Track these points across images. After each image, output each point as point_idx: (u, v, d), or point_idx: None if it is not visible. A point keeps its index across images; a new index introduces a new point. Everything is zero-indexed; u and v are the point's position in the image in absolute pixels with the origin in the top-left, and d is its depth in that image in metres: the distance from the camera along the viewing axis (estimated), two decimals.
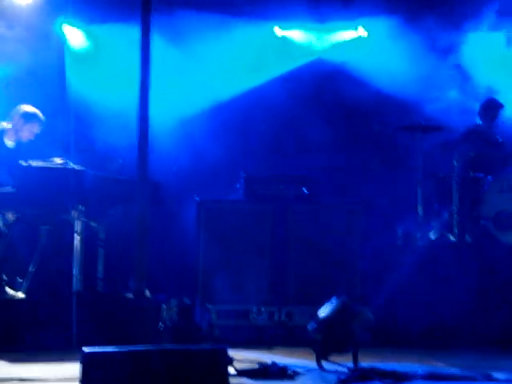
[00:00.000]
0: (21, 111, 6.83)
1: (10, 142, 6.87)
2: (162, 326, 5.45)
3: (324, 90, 8.57)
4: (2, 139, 6.81)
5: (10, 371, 4.96)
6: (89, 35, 7.91)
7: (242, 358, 5.34)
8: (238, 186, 7.23)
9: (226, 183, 7.49)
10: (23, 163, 6.27)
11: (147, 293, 6.40)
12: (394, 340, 6.42)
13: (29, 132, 6.85)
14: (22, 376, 4.75)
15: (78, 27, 7.76)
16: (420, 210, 7.43)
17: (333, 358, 5.11)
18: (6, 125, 6.82)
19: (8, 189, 6.44)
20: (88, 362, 4.22)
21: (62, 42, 7.54)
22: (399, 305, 6.66)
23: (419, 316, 6.59)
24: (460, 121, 7.82)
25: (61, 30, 7.53)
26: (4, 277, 6.41)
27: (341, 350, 5.09)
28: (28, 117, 6.82)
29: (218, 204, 7.03)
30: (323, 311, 5.23)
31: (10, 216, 6.39)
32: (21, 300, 6.24)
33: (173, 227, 7.69)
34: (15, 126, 6.81)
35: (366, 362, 5.05)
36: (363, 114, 8.44)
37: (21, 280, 6.48)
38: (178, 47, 8.19)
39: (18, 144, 6.91)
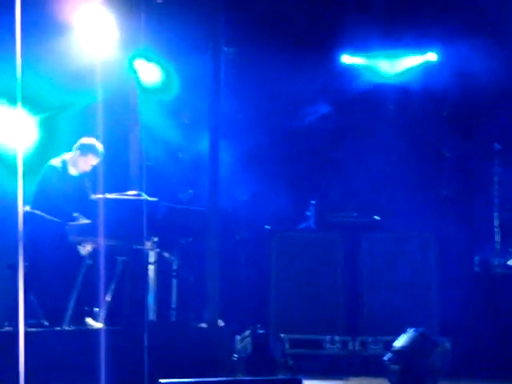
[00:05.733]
0: (78, 143, 6.98)
1: (73, 171, 7.02)
2: (236, 356, 5.43)
3: (392, 115, 8.50)
4: (67, 170, 6.96)
5: None
6: (161, 69, 8.07)
7: None
8: (308, 213, 7.21)
9: (297, 212, 7.48)
10: (99, 195, 6.41)
11: (220, 323, 6.44)
12: (476, 373, 6.22)
13: (84, 164, 6.95)
14: None
15: (150, 61, 7.93)
16: (497, 236, 7.23)
17: None
18: (67, 156, 6.98)
19: (82, 220, 6.61)
20: None
21: (134, 75, 7.72)
22: (479, 335, 6.47)
23: (499, 346, 6.38)
24: None
25: (132, 64, 7.71)
26: (86, 307, 6.53)
27: (419, 382, 4.97)
28: (84, 149, 6.92)
29: (289, 233, 7.02)
30: (400, 342, 5.12)
31: (88, 247, 6.54)
32: (98, 330, 6.33)
33: (244, 257, 7.71)
34: (73, 157, 6.97)
35: None
36: (435, 140, 8.32)
37: (97, 310, 6.59)
38: (248, 78, 8.28)
39: (81, 175, 7.03)
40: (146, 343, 5.84)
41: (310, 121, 8.28)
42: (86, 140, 6.96)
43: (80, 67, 7.38)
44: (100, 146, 6.95)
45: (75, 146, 6.98)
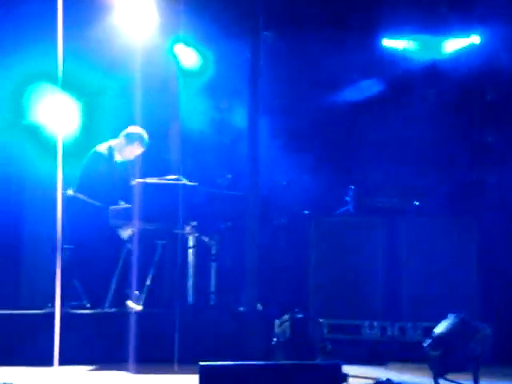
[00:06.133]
0: (125, 132, 7.03)
1: (119, 157, 7.08)
2: (275, 340, 5.45)
3: (434, 99, 8.37)
4: (113, 156, 7.03)
5: (129, 382, 5.10)
6: (200, 54, 8.08)
7: (356, 373, 5.26)
8: (347, 198, 7.17)
9: (337, 196, 7.44)
10: (139, 180, 6.47)
11: (259, 306, 6.46)
12: None
13: (129, 152, 7.01)
14: None
15: (190, 46, 7.94)
16: None
17: (451, 376, 4.94)
18: (112, 142, 7.05)
19: (124, 204, 6.68)
20: (206, 375, 4.28)
21: (175, 60, 7.74)
22: None
23: None
24: None
25: (173, 49, 7.72)
26: (126, 291, 6.62)
27: (460, 369, 4.92)
28: (130, 138, 6.99)
29: (328, 218, 6.99)
30: (440, 328, 5.07)
31: (128, 231, 6.61)
32: (139, 312, 6.41)
33: (283, 241, 7.71)
34: (118, 144, 7.02)
35: (487, 382, 4.86)
36: (479, 124, 8.18)
37: (138, 293, 6.67)
38: (286, 62, 8.23)
39: (125, 161, 7.09)
40: (177, 326, 5.90)
41: (349, 105, 8.21)
42: (132, 129, 7.02)
43: (121, 51, 7.43)
44: (146, 136, 7.01)
45: (122, 133, 7.04)
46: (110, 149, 7.02)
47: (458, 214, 6.86)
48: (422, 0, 8.06)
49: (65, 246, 6.44)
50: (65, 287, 5.67)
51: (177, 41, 7.71)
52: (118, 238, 6.71)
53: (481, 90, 8.15)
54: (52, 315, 5.29)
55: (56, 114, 5.60)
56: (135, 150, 7.01)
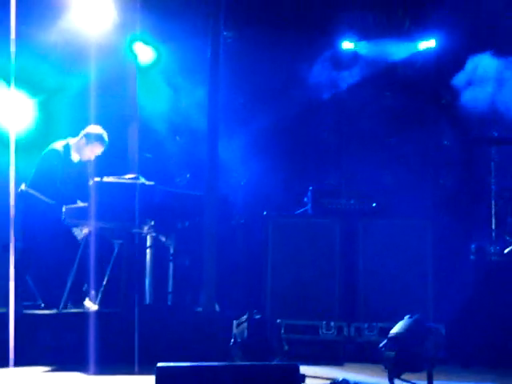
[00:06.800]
0: (85, 131, 6.96)
1: (76, 157, 7.00)
2: (233, 341, 5.45)
3: (393, 101, 8.49)
4: (69, 155, 6.95)
5: (85, 383, 5.05)
6: (158, 52, 8.03)
7: (313, 373, 5.30)
8: (305, 199, 7.21)
9: (295, 197, 7.47)
10: (96, 179, 6.40)
11: (217, 307, 6.46)
12: (470, 359, 6.25)
13: (89, 152, 6.95)
14: None
15: (148, 44, 7.89)
16: (494, 224, 7.25)
17: (406, 376, 5.01)
18: (71, 141, 6.97)
19: (80, 203, 6.60)
20: (162, 377, 4.26)
21: (132, 58, 7.68)
22: (474, 322, 6.49)
23: (495, 334, 6.41)
24: None
25: (132, 46, 7.66)
26: (84, 288, 6.55)
27: (414, 369, 4.99)
28: (90, 137, 6.93)
29: (286, 218, 7.02)
30: (395, 329, 5.14)
31: (85, 230, 6.53)
32: (94, 312, 6.34)
33: (241, 241, 7.72)
34: (77, 143, 6.95)
35: (440, 382, 4.94)
36: (433, 128, 8.31)
37: (94, 292, 6.60)
38: (246, 62, 8.25)
39: (83, 161, 7.02)
40: (137, 326, 5.86)
41: (309, 106, 8.26)
42: (92, 128, 6.95)
43: (77, 49, 7.35)
44: (105, 135, 6.95)
45: (82, 132, 6.96)
46: (67, 146, 6.94)
47: (413, 217, 6.95)
48: (380, 4, 8.17)
49: (17, 244, 6.34)
50: (17, 287, 5.58)
51: (135, 39, 7.65)
52: (73, 236, 6.64)
53: (436, 93, 8.28)
54: (6, 316, 5.20)
55: (9, 110, 5.51)
56: (95, 150, 6.95)
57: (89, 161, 7.01)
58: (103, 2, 7.34)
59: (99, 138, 6.92)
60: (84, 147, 6.93)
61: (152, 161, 7.82)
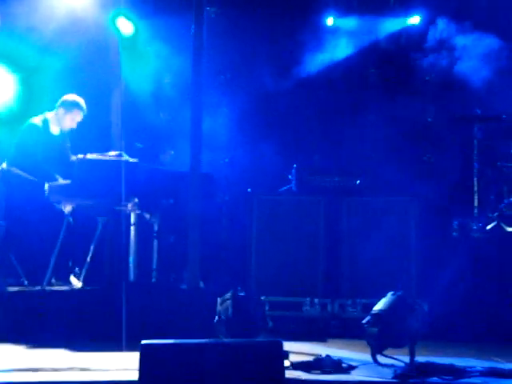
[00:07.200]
0: (61, 100, 6.91)
1: (55, 130, 6.95)
2: (217, 318, 5.47)
3: (377, 79, 8.48)
4: (48, 128, 6.90)
5: (69, 360, 5.06)
6: (142, 27, 7.96)
7: (296, 350, 5.34)
8: (290, 177, 7.21)
9: (279, 175, 7.47)
10: (79, 156, 6.36)
11: (201, 284, 6.47)
12: (451, 335, 6.32)
13: (70, 121, 6.91)
14: (82, 366, 4.83)
15: (131, 19, 7.80)
16: (476, 201, 7.30)
17: (389, 352, 5.06)
18: (49, 115, 6.91)
19: (61, 179, 6.56)
20: (146, 354, 4.28)
21: (116, 33, 7.60)
22: (455, 299, 6.55)
23: (477, 310, 6.48)
24: None
25: (115, 22, 7.58)
26: (70, 264, 6.54)
27: (397, 345, 5.04)
28: (68, 105, 6.88)
29: (271, 196, 7.02)
30: (379, 305, 5.18)
31: (68, 207, 6.50)
32: (78, 290, 6.34)
33: (226, 219, 7.72)
34: (57, 115, 6.90)
35: (422, 357, 4.99)
36: (417, 104, 8.31)
37: (78, 269, 6.59)
38: (229, 37, 8.18)
39: (63, 133, 6.97)
40: (124, 304, 5.87)
41: (293, 83, 8.23)
42: (68, 97, 6.92)
43: (60, 25, 7.27)
44: (83, 101, 6.91)
45: (58, 103, 6.91)
46: (46, 121, 6.88)
47: (397, 194, 6.97)
48: None
49: (0, 222, 6.31)
50: (1, 264, 5.56)
51: (118, 13, 7.57)
52: (57, 213, 6.60)
53: (420, 70, 8.26)
54: None
55: None
56: (75, 117, 6.92)
57: (68, 133, 6.95)
58: None
59: (77, 104, 6.90)
60: (63, 117, 6.89)
61: (136, 136, 7.79)
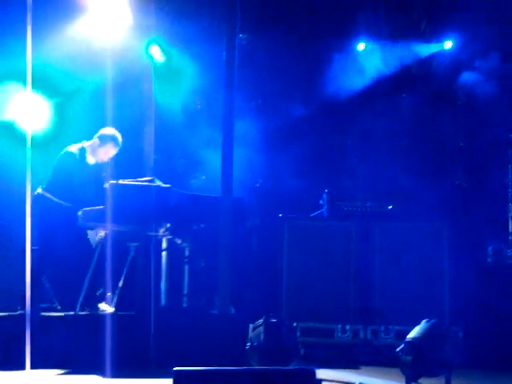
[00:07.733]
0: (98, 133, 6.98)
1: (91, 160, 7.02)
2: (249, 345, 5.44)
3: (407, 102, 8.45)
4: (84, 158, 6.97)
5: None
6: (175, 55, 8.05)
7: (329, 377, 5.28)
8: (321, 202, 7.19)
9: (310, 199, 7.46)
10: (112, 181, 6.41)
11: (232, 310, 6.45)
12: (488, 362, 6.20)
13: (104, 154, 6.95)
14: None
15: (164, 47, 7.90)
16: (510, 227, 7.20)
17: (423, 381, 4.99)
18: (86, 144, 6.99)
19: (96, 206, 6.61)
20: (179, 380, 4.26)
21: (150, 61, 7.69)
22: (491, 326, 6.44)
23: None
24: None
25: (148, 50, 7.68)
26: (97, 292, 6.56)
27: (432, 374, 4.97)
28: (104, 138, 6.93)
29: (302, 221, 7.00)
30: (413, 333, 5.12)
31: (100, 233, 6.55)
32: (110, 315, 6.36)
33: (256, 244, 7.71)
34: (92, 146, 6.96)
35: None
36: (450, 129, 8.27)
37: (110, 295, 6.61)
38: (261, 64, 8.24)
39: (98, 164, 7.03)
40: (152, 330, 5.87)
41: (325, 108, 8.24)
42: (106, 130, 6.97)
43: (95, 52, 7.37)
44: (119, 137, 6.96)
45: (96, 135, 6.99)
46: (82, 149, 6.96)
47: (430, 219, 6.91)
48: (396, 6, 8.14)
49: (33, 248, 6.36)
50: (34, 289, 5.60)
51: (152, 42, 7.67)
52: (88, 239, 6.66)
53: (452, 95, 8.24)
54: (23, 318, 5.22)
55: (26, 112, 5.54)
56: (109, 151, 6.96)
57: (105, 163, 7.02)
58: (120, 4, 7.36)
59: (113, 138, 6.94)
60: (98, 149, 6.94)
61: (167, 162, 7.84)
